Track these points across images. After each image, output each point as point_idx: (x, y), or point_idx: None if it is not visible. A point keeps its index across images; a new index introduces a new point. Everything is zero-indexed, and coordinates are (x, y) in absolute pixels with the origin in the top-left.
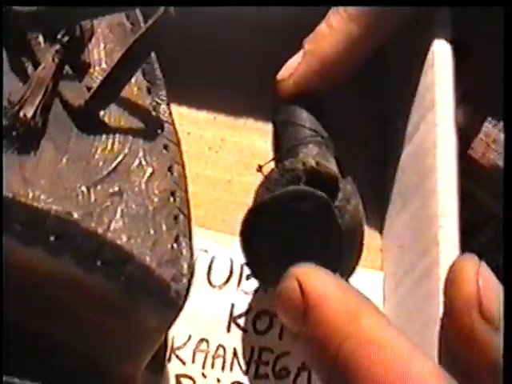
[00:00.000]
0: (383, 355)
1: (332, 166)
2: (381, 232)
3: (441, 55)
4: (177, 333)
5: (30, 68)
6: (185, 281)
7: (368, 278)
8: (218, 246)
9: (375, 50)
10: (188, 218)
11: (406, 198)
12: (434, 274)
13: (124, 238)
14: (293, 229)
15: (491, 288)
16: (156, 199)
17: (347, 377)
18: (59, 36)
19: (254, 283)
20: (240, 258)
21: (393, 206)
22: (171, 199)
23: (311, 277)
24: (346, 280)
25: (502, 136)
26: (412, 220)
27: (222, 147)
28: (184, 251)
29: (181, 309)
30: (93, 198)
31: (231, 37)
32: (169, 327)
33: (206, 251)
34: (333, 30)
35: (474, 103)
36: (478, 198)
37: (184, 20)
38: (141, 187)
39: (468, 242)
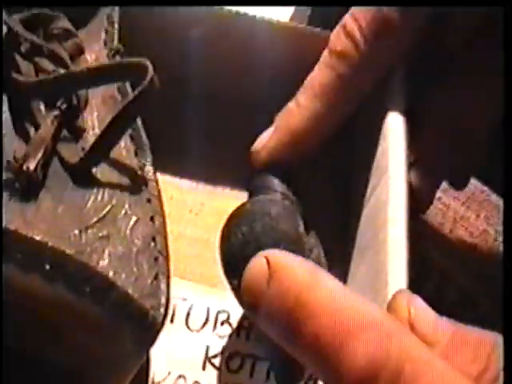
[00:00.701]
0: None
1: (293, 224)
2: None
3: (394, 126)
4: (157, 369)
5: (31, 131)
6: (162, 310)
7: None
8: (196, 296)
9: (340, 124)
10: (167, 259)
11: (363, 251)
12: None
13: (110, 273)
14: None
15: (423, 314)
16: (139, 243)
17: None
18: (58, 104)
19: (227, 329)
20: (215, 306)
21: (354, 260)
22: (152, 243)
23: (279, 253)
24: None
25: (469, 213)
26: (368, 270)
27: (201, 210)
28: (162, 286)
29: (157, 334)
30: (84, 240)
31: (213, 115)
32: (147, 351)
33: (185, 299)
34: (300, 108)
35: (425, 167)
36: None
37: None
38: (126, 232)
39: None
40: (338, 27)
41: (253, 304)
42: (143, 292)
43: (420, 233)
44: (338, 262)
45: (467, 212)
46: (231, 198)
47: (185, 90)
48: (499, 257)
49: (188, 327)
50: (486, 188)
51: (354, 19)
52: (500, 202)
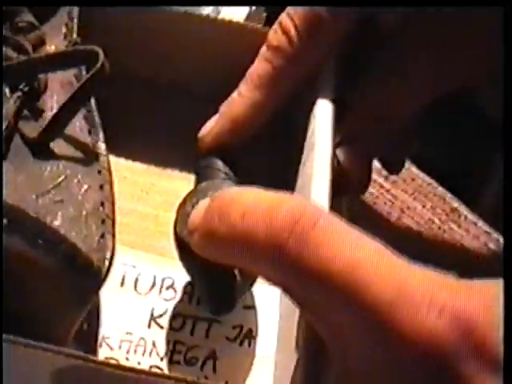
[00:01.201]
0: None
1: None
2: None
3: (322, 109)
4: (107, 326)
5: None
6: (106, 263)
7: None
8: (144, 264)
9: (276, 112)
10: (113, 222)
11: None
12: None
13: (62, 230)
14: None
15: None
16: (89, 207)
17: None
18: (21, 87)
19: (172, 293)
20: (162, 273)
21: None
22: (100, 208)
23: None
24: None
25: (416, 204)
26: None
27: (151, 190)
28: (108, 243)
29: (101, 283)
30: (40, 203)
31: (163, 104)
32: (93, 296)
33: (134, 266)
34: (240, 97)
35: (350, 146)
36: None
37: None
38: (78, 198)
39: None
40: (275, 24)
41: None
42: (91, 247)
43: (367, 219)
44: None
45: (414, 202)
46: (179, 179)
47: (136, 80)
48: (443, 244)
49: (136, 291)
50: (432, 181)
51: (290, 17)
52: (445, 194)
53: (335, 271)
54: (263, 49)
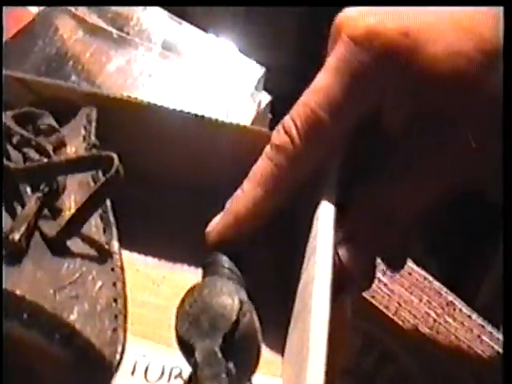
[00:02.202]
0: None
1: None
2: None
3: (325, 212)
4: None
5: (18, 209)
6: (118, 357)
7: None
8: (154, 353)
9: (278, 209)
10: (125, 317)
11: (296, 319)
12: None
13: (77, 325)
14: None
15: None
16: (103, 303)
17: None
18: (41, 187)
19: (179, 382)
20: (170, 363)
21: (290, 327)
22: (113, 304)
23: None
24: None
25: (413, 298)
26: (298, 336)
27: (163, 282)
28: (120, 337)
29: (113, 375)
30: (57, 298)
31: (173, 201)
32: None
33: (144, 356)
34: (243, 193)
35: (352, 243)
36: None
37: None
38: (92, 294)
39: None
40: (278, 125)
41: None
42: (103, 342)
43: (366, 312)
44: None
45: (411, 297)
46: (188, 273)
47: (151, 181)
48: (438, 336)
49: (146, 379)
50: (428, 275)
51: (291, 118)
52: (441, 288)
53: None
54: (267, 148)
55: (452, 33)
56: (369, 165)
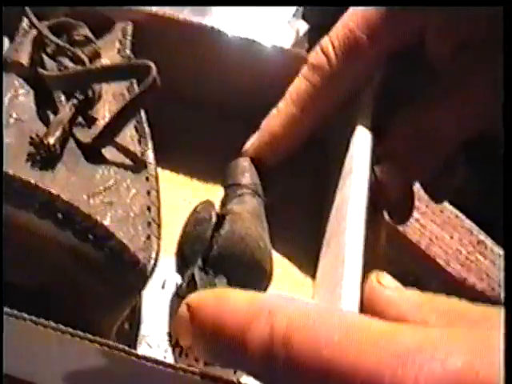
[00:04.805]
0: None
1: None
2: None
3: (361, 135)
4: (147, 326)
5: (52, 116)
6: (152, 262)
7: None
8: None
9: (312, 129)
10: (158, 225)
11: (329, 241)
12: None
13: (111, 229)
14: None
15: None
16: (136, 210)
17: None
18: (76, 95)
19: None
20: None
21: (322, 251)
22: (147, 212)
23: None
24: None
25: (444, 235)
26: (331, 256)
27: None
28: (154, 245)
29: (146, 281)
30: (91, 203)
31: (208, 123)
32: (137, 293)
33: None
34: (279, 112)
35: (388, 162)
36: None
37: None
38: (126, 201)
39: None
40: (316, 46)
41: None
42: (137, 246)
43: (398, 244)
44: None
45: (442, 233)
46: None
47: (187, 101)
48: (470, 273)
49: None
50: (460, 213)
51: (329, 39)
52: (472, 227)
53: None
54: (303, 68)
55: None
56: (408, 90)
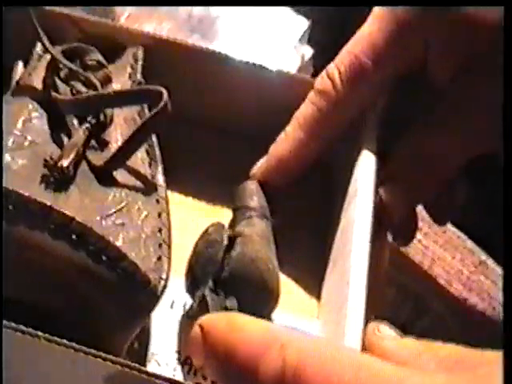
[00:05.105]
0: None
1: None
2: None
3: (366, 158)
4: (156, 344)
5: (65, 139)
6: (162, 283)
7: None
8: None
9: (318, 152)
10: (169, 247)
11: (335, 262)
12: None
13: (123, 250)
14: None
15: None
16: (148, 231)
17: None
18: (88, 119)
19: None
20: None
21: (327, 272)
22: (158, 234)
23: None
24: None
25: (446, 255)
26: (337, 276)
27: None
28: (164, 266)
29: (157, 301)
30: (103, 225)
31: (216, 145)
32: (147, 313)
33: (183, 293)
34: (286, 136)
35: (393, 185)
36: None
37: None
38: (138, 223)
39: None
40: (322, 72)
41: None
42: (148, 267)
43: (401, 265)
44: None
45: (444, 253)
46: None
47: (195, 123)
48: (471, 293)
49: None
50: (461, 234)
51: (335, 64)
52: (474, 247)
53: None
54: (310, 93)
55: None
56: (412, 114)
